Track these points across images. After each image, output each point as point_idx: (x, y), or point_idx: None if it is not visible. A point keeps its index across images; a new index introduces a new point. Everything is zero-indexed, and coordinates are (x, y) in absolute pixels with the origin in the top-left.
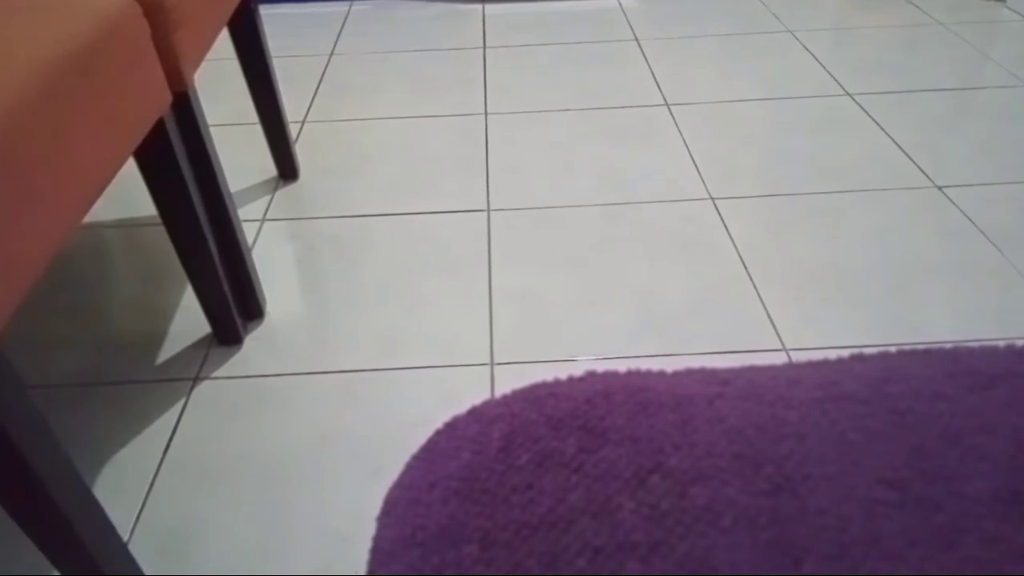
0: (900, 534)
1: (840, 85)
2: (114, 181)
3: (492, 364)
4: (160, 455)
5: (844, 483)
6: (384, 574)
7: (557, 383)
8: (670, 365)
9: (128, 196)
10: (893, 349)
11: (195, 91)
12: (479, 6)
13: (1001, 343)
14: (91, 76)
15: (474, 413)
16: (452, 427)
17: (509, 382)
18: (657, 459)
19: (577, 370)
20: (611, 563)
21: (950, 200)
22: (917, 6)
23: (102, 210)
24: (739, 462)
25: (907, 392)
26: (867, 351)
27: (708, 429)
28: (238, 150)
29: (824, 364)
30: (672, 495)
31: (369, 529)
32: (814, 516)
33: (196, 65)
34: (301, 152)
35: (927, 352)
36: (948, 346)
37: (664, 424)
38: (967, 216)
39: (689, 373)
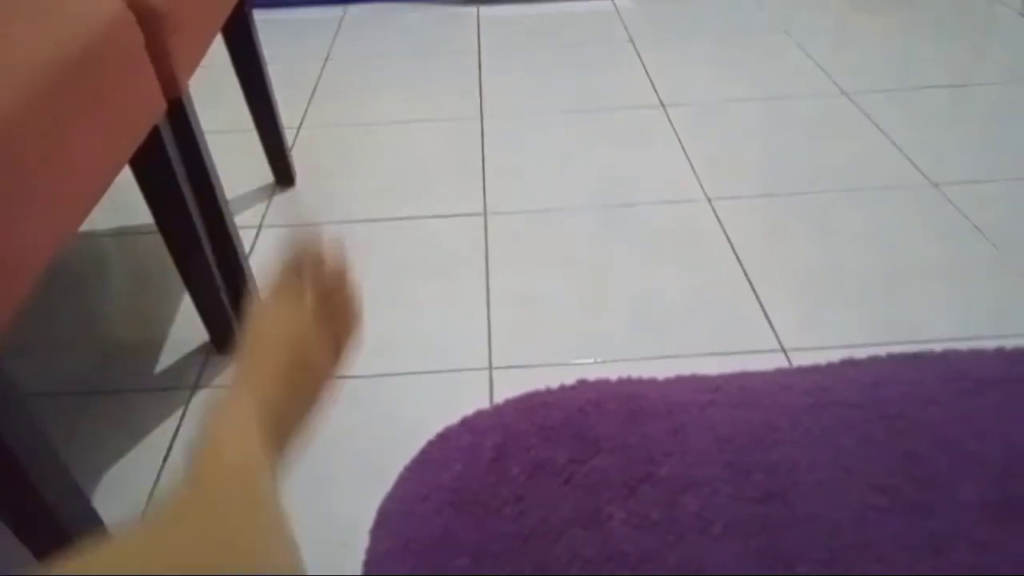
0: (891, 539)
1: (836, 85)
2: (111, 189)
3: (491, 368)
4: (159, 464)
5: (835, 489)
6: None
7: (549, 392)
8: (669, 367)
9: (125, 204)
10: (884, 352)
11: (190, 97)
12: (474, 9)
13: (992, 346)
14: (85, 83)
15: (466, 423)
16: (444, 438)
17: (508, 386)
18: (648, 468)
19: (577, 374)
20: (602, 573)
21: (947, 199)
22: (914, 5)
23: (99, 218)
24: (730, 470)
25: (898, 397)
26: (860, 354)
27: (699, 437)
28: (234, 156)
29: (815, 369)
30: (663, 504)
31: (367, 536)
32: (805, 522)
33: (190, 72)
34: (297, 157)
35: (917, 356)
36: (938, 349)
37: (656, 432)
38: (964, 215)
39: (681, 380)
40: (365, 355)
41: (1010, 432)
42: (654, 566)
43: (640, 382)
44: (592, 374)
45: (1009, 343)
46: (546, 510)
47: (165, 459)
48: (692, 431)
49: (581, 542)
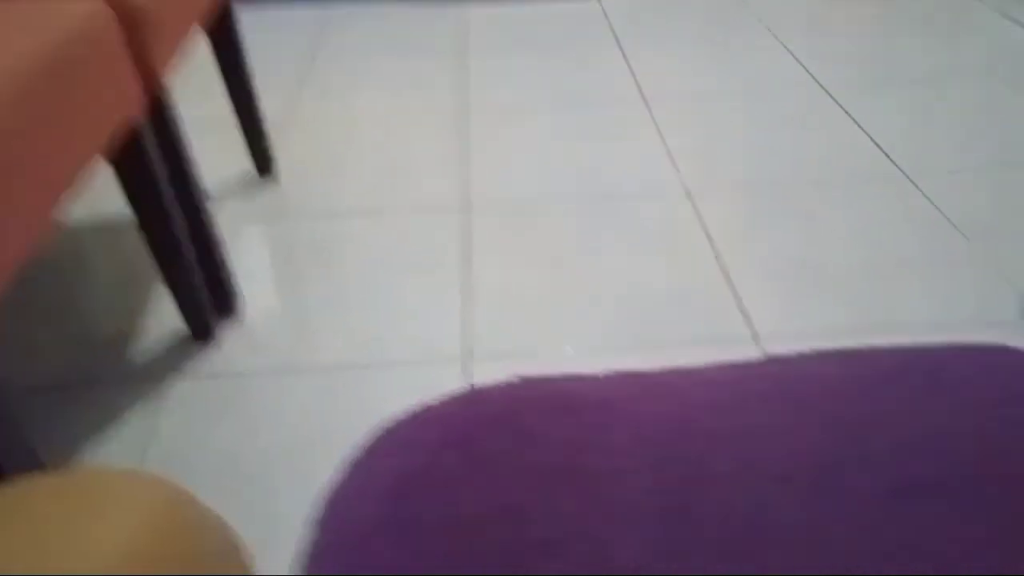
0: (789, 526)
1: (815, 79)
2: (89, 180)
3: (471, 360)
4: (139, 457)
5: (742, 480)
6: (317, 575)
7: (491, 388)
8: (649, 358)
9: (102, 196)
10: (860, 342)
11: (170, 94)
12: (461, 8)
13: (907, 342)
14: (65, 81)
15: (410, 416)
16: (389, 430)
17: (488, 378)
18: (574, 460)
19: (557, 365)
20: (522, 561)
21: (922, 192)
22: (892, 2)
23: (77, 210)
24: (649, 462)
25: (813, 392)
26: (840, 343)
27: (625, 431)
28: (216, 150)
29: (741, 366)
30: (583, 495)
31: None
32: (713, 512)
33: (171, 68)
34: (281, 152)
35: (839, 352)
36: (862, 346)
37: (585, 426)
38: (938, 208)
39: (615, 377)
40: (344, 348)
41: (915, 425)
42: (569, 553)
43: (577, 378)
44: (572, 366)
45: (984, 332)
46: (478, 500)
47: (144, 452)
48: (620, 426)
49: (507, 531)
